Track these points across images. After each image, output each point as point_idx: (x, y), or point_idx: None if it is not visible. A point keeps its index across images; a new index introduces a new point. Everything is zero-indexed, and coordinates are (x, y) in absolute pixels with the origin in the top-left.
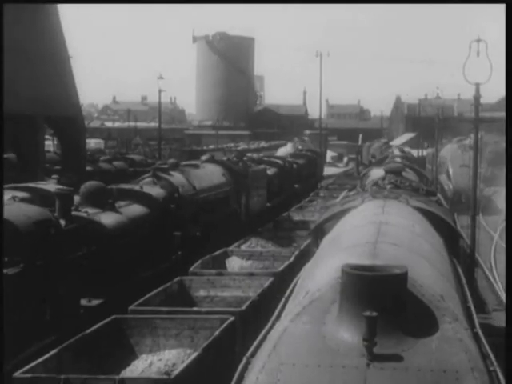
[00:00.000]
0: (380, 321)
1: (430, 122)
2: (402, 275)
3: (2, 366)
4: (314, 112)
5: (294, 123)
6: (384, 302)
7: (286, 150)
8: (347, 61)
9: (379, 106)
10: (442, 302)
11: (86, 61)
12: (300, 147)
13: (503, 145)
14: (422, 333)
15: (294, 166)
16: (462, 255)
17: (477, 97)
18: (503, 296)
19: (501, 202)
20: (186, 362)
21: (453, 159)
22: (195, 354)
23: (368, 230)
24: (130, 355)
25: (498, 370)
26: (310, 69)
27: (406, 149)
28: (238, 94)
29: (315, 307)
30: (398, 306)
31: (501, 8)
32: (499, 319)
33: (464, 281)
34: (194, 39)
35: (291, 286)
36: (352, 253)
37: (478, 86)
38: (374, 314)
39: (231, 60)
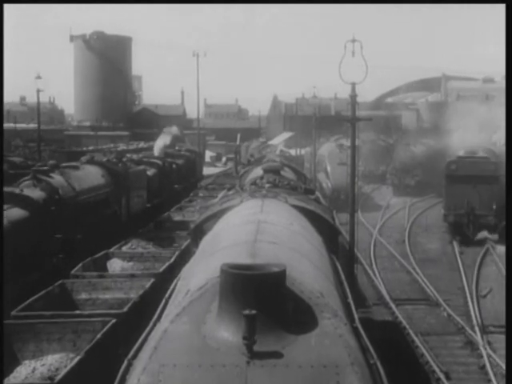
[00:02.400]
0: (259, 319)
1: (307, 121)
2: (280, 273)
3: (2, 369)
4: (192, 112)
5: (173, 123)
6: (263, 300)
7: (162, 142)
8: (225, 60)
9: (257, 105)
10: (321, 298)
11: None
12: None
13: (380, 143)
14: (301, 329)
15: (174, 166)
16: (341, 252)
17: (353, 96)
18: (383, 291)
19: (379, 199)
20: (69, 366)
21: (331, 157)
22: (78, 358)
23: (247, 228)
24: (12, 361)
25: (379, 363)
26: (188, 68)
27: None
28: (116, 94)
29: (195, 307)
30: (277, 304)
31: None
32: (379, 313)
33: (343, 277)
34: (71, 38)
35: (171, 286)
36: (231, 252)
37: (353, 85)
38: (253, 312)
39: (109, 59)
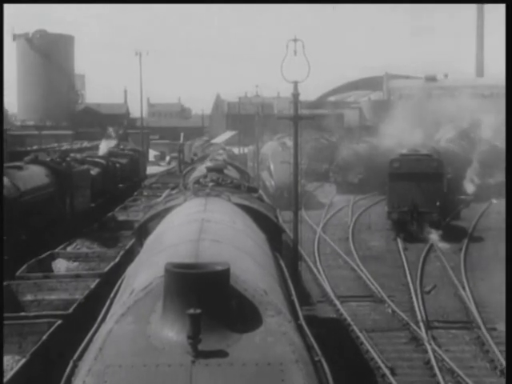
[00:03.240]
0: (204, 318)
1: (250, 120)
2: (224, 271)
3: (2, 368)
4: (135, 111)
5: (116, 122)
6: (207, 299)
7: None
8: (168, 59)
9: (200, 104)
10: (265, 296)
11: None
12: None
13: (323, 141)
14: (246, 327)
15: (117, 165)
16: (285, 249)
17: (295, 94)
18: (328, 288)
19: (322, 196)
20: (15, 368)
21: (274, 156)
22: (23, 360)
23: (190, 227)
24: None
25: (323, 360)
26: (131, 67)
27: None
28: (59, 93)
29: (140, 307)
30: (222, 302)
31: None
32: (323, 310)
33: (287, 275)
34: (14, 37)
35: (116, 286)
36: (175, 251)
37: (296, 84)
38: (198, 311)
39: (51, 58)
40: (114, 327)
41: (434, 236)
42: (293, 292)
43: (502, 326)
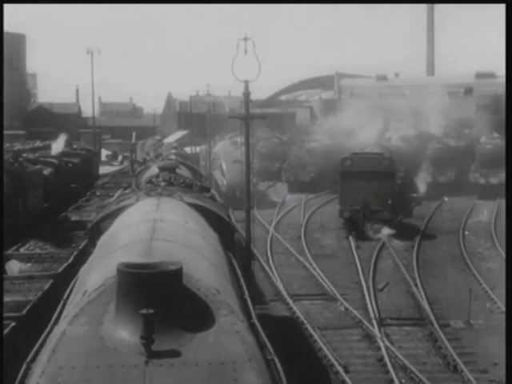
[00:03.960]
0: (157, 318)
1: (201, 119)
2: (176, 271)
3: (2, 369)
4: (87, 110)
5: (68, 121)
6: (160, 299)
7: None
8: (119, 58)
9: (152, 103)
10: (218, 295)
11: None
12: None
13: (274, 140)
14: (199, 327)
15: (70, 165)
16: (238, 249)
17: (246, 93)
18: (280, 286)
19: (274, 195)
20: None
21: (226, 155)
22: None
23: (143, 227)
24: None
25: (276, 358)
26: (83, 66)
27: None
28: (11, 93)
29: (93, 308)
30: (175, 302)
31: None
32: (276, 309)
33: (240, 274)
34: None
35: (69, 287)
36: (127, 251)
37: (247, 83)
38: (151, 311)
39: (2, 58)
40: (67, 328)
41: (385, 234)
42: (245, 291)
43: (455, 323)
